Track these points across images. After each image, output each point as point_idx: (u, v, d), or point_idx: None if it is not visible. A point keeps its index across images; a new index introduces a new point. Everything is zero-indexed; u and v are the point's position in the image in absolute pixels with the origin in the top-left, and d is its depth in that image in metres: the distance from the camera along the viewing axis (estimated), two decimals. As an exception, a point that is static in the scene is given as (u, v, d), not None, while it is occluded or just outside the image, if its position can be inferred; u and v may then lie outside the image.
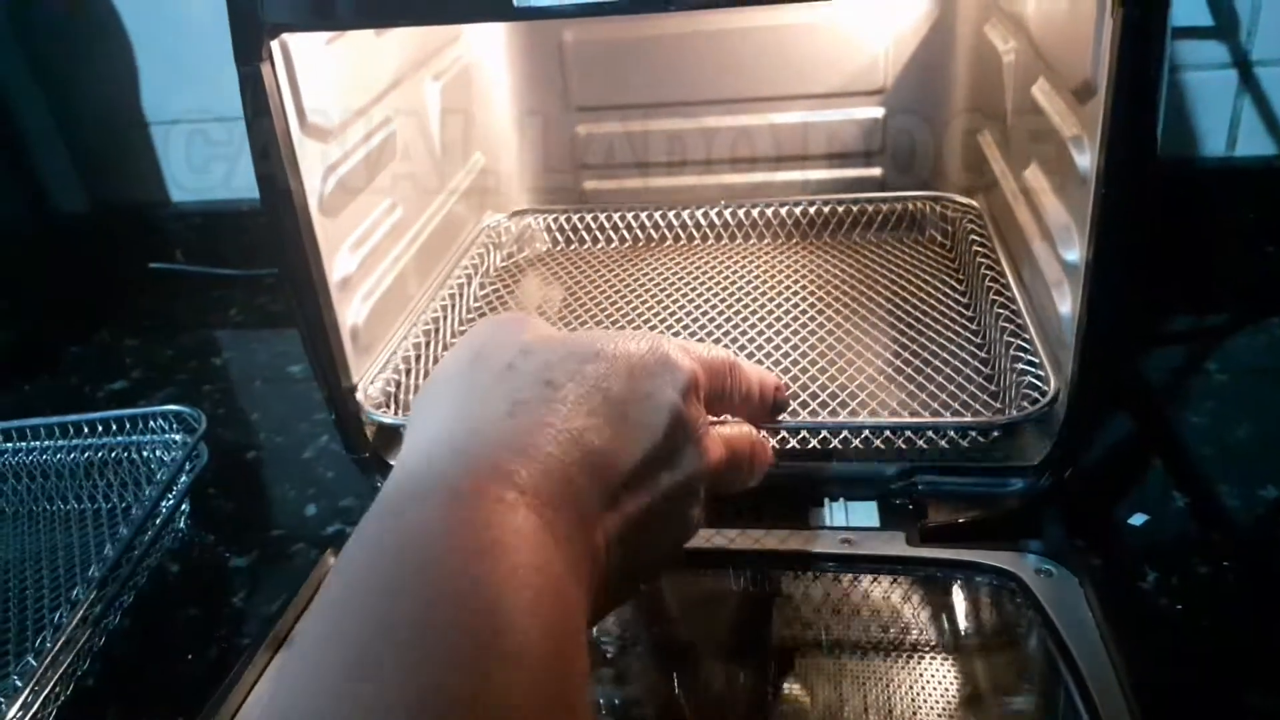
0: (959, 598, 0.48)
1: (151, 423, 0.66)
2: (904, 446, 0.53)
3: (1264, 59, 0.74)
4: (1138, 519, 0.54)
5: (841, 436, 0.53)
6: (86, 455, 0.66)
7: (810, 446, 0.53)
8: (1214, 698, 0.43)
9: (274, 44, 0.45)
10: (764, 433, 0.45)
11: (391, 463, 0.57)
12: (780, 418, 0.46)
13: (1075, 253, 0.48)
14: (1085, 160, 0.46)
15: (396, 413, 0.57)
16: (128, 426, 0.66)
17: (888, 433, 0.52)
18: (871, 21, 0.72)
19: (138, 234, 0.95)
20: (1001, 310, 0.60)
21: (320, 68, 0.50)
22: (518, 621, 0.26)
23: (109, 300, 0.92)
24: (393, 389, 0.59)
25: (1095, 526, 0.53)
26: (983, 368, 0.59)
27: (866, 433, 0.52)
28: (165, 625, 0.54)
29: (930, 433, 0.52)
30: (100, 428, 0.66)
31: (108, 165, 0.94)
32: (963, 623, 0.47)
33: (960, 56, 0.73)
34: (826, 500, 0.53)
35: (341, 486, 0.63)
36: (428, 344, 0.65)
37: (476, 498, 0.29)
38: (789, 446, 0.53)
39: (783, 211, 0.78)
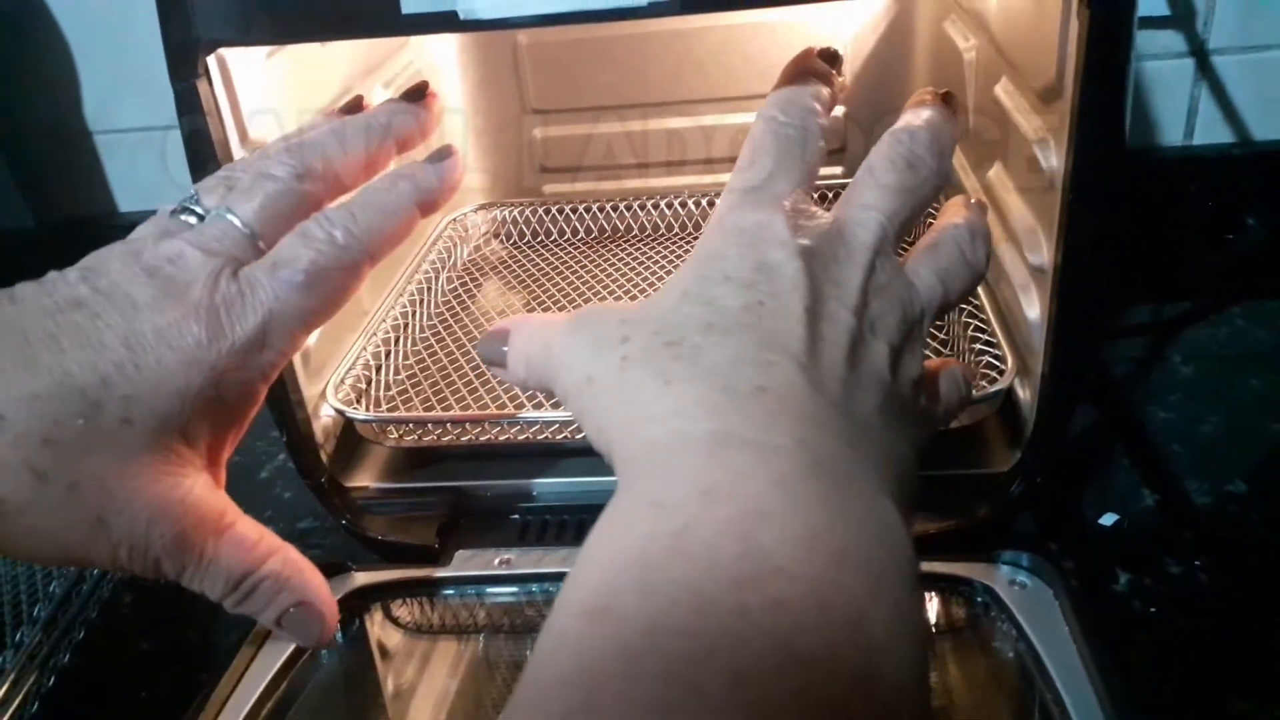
0: (932, 611, 0.47)
1: (98, 449, 0.63)
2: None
3: (1221, 47, 0.74)
4: (1108, 519, 0.54)
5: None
6: (32, 484, 0.63)
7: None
8: (1196, 705, 0.43)
9: (210, 59, 0.43)
10: None
11: (348, 486, 0.56)
12: None
13: (1042, 257, 0.47)
14: (1051, 162, 0.45)
15: (368, 409, 0.56)
16: (74, 453, 0.63)
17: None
18: (829, 19, 0.71)
19: (85, 248, 0.92)
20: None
21: (261, 82, 0.48)
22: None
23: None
24: (363, 385, 0.59)
25: (1066, 528, 0.53)
26: (942, 349, 0.60)
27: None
28: (118, 662, 0.52)
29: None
30: (45, 455, 0.63)
31: (50, 178, 0.91)
32: (937, 638, 0.46)
33: (920, 54, 0.72)
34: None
35: (299, 508, 0.61)
36: (397, 340, 0.64)
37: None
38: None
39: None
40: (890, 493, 0.27)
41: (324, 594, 0.38)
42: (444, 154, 0.39)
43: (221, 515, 0.36)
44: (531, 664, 0.23)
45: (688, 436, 0.27)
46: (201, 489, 0.35)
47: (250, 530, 0.37)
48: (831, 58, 0.37)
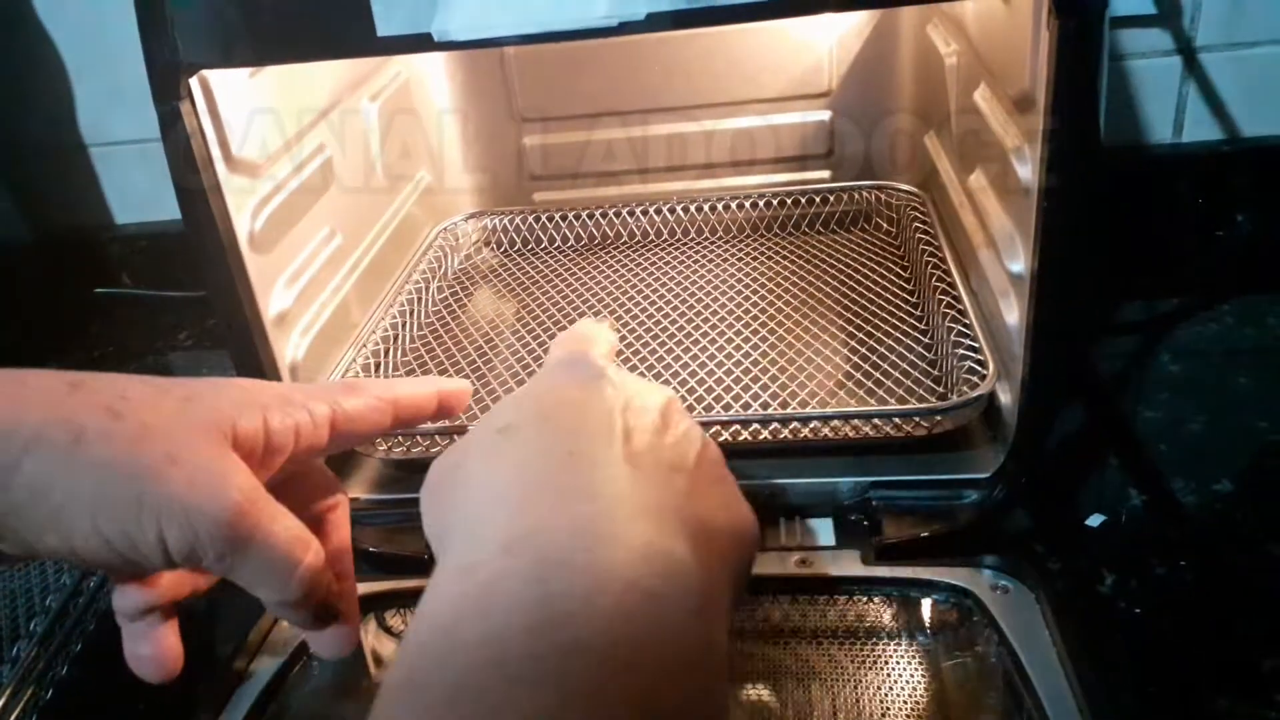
0: (916, 616, 0.48)
1: (96, 461, 0.64)
2: (852, 434, 0.54)
3: (1207, 44, 0.74)
4: (1095, 520, 0.54)
5: (791, 427, 0.54)
6: (30, 498, 0.64)
7: (762, 438, 0.54)
8: (1180, 706, 0.43)
9: (193, 81, 0.44)
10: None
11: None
12: (732, 411, 0.52)
13: (1020, 264, 0.48)
14: (1027, 171, 0.46)
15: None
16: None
17: (835, 421, 0.53)
18: (815, 23, 0.72)
19: (82, 259, 0.93)
20: (943, 298, 0.61)
21: (245, 101, 0.49)
22: None
23: (56, 329, 0.90)
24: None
25: (1053, 529, 0.53)
26: (926, 353, 0.60)
27: (815, 422, 0.54)
28: (115, 674, 0.52)
29: (876, 420, 0.53)
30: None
31: (48, 191, 0.91)
32: (920, 642, 0.46)
33: (904, 58, 0.72)
34: (782, 520, 0.52)
35: (294, 519, 0.61)
36: (387, 351, 0.64)
37: None
38: (742, 439, 0.54)
39: (733, 206, 0.78)
40: (689, 537, 0.30)
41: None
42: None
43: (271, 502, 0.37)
44: None
45: (498, 502, 0.30)
46: (252, 476, 0.37)
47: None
48: None
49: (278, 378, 0.51)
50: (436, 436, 0.56)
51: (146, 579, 0.40)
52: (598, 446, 0.31)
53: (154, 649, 0.41)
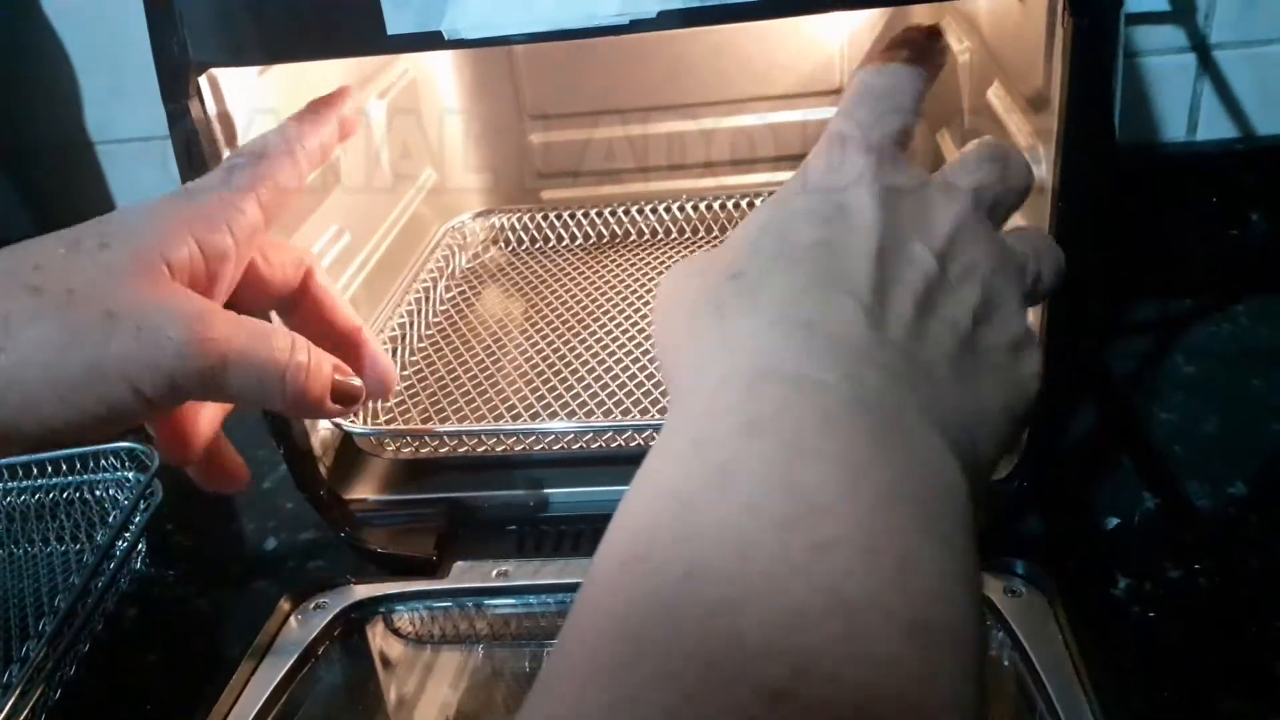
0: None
1: (102, 461, 0.64)
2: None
3: (1222, 42, 0.73)
4: (1109, 522, 0.53)
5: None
6: (37, 497, 0.64)
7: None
8: (1192, 710, 0.43)
9: (202, 80, 0.44)
10: None
11: (347, 499, 0.56)
12: None
13: (1034, 264, 0.47)
14: (1041, 171, 0.45)
15: (366, 422, 0.57)
16: (78, 465, 0.64)
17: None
18: (826, 20, 0.71)
19: (88, 257, 0.93)
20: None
21: (253, 97, 0.48)
22: None
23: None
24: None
25: (1066, 532, 0.53)
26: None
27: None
28: (124, 674, 0.53)
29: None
30: (50, 468, 0.64)
31: (53, 188, 0.91)
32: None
33: (916, 54, 0.71)
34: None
35: (302, 519, 0.61)
36: (395, 350, 0.64)
37: None
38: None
39: (744, 203, 0.77)
40: (952, 442, 0.26)
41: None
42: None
43: (231, 318, 0.36)
44: (573, 614, 0.22)
45: (733, 372, 0.26)
46: (201, 299, 0.35)
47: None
48: (932, 34, 0.35)
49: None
50: (445, 438, 0.56)
51: (183, 430, 0.40)
52: (841, 314, 0.26)
53: (223, 469, 0.43)
